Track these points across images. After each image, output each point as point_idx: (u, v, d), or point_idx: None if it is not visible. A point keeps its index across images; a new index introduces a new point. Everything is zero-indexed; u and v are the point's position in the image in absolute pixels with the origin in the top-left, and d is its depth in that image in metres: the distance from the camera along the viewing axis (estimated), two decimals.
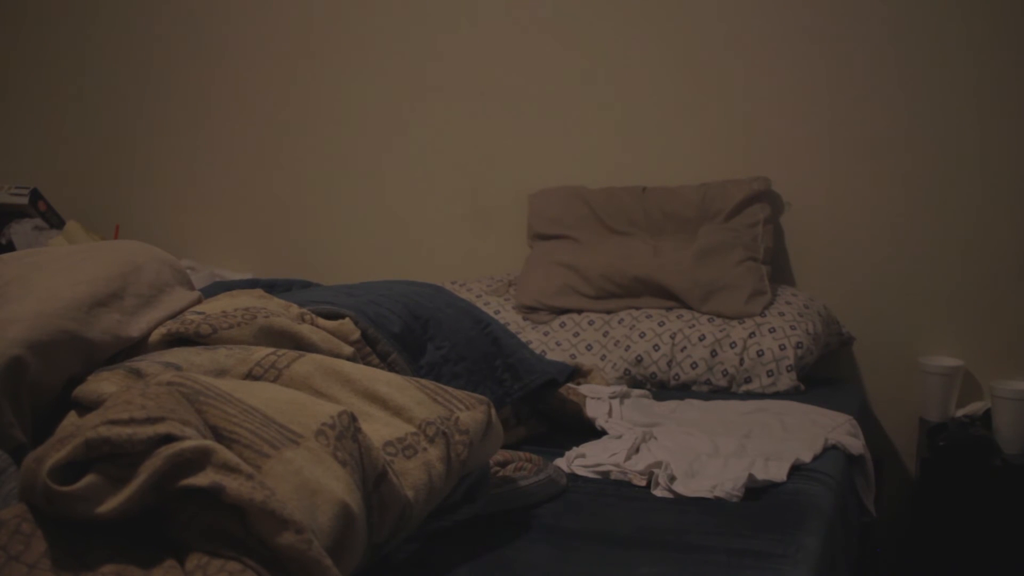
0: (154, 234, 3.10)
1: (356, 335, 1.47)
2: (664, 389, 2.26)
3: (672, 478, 1.47)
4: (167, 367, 1.18)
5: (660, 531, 1.29)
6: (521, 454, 1.44)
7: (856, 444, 1.77)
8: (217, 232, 3.20)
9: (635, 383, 2.28)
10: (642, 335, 2.32)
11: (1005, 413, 2.20)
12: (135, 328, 1.32)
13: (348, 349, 1.42)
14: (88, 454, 0.88)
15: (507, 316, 2.50)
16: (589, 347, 2.35)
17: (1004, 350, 2.43)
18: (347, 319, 1.49)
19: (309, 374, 1.20)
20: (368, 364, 1.45)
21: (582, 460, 1.57)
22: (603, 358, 2.31)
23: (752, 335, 2.27)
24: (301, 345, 1.36)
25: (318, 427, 1.01)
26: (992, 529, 2.10)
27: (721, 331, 2.29)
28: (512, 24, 2.80)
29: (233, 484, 0.87)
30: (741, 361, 2.24)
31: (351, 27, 2.97)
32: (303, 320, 1.45)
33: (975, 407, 2.40)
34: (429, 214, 2.94)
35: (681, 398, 2.12)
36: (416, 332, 1.55)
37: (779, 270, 2.57)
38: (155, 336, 1.33)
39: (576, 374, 2.02)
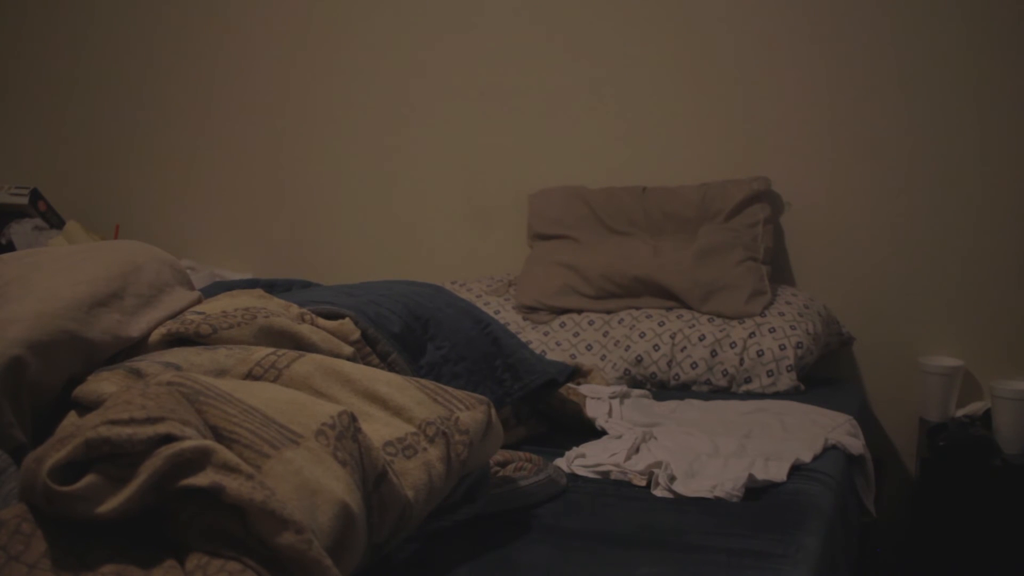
0: (154, 234, 3.10)
1: (356, 335, 1.47)
2: (664, 389, 2.26)
3: (672, 478, 1.47)
4: (167, 367, 1.18)
5: (660, 531, 1.29)
6: (521, 454, 1.44)
7: (856, 444, 1.77)
8: (217, 232, 3.20)
9: (635, 383, 2.28)
10: (642, 335, 2.32)
11: (1005, 413, 2.20)
12: (135, 328, 1.32)
13: (348, 349, 1.42)
14: (88, 454, 0.88)
15: (507, 316, 2.50)
16: (589, 347, 2.35)
17: (1004, 350, 2.43)
18: (347, 319, 1.49)
19: (309, 374, 1.20)
20: (368, 364, 1.45)
21: (582, 460, 1.57)
22: (603, 358, 2.31)
23: (752, 335, 2.27)
24: (301, 345, 1.36)
25: (318, 427, 1.01)
26: (992, 529, 2.10)
27: (721, 331, 2.29)
28: (513, 24, 2.80)
29: (233, 484, 0.87)
30: (741, 361, 2.24)
31: (352, 27, 2.97)
32: (303, 320, 1.45)
33: (975, 407, 2.40)
34: (429, 214, 2.94)
35: (681, 398, 2.12)
36: (416, 332, 1.55)
37: (779, 270, 2.57)
38: (155, 336, 1.33)
39: (576, 374, 2.02)
